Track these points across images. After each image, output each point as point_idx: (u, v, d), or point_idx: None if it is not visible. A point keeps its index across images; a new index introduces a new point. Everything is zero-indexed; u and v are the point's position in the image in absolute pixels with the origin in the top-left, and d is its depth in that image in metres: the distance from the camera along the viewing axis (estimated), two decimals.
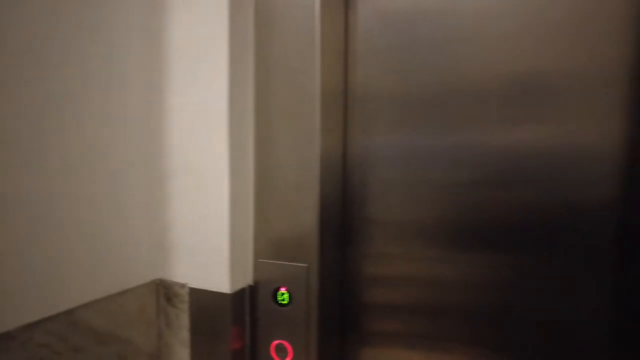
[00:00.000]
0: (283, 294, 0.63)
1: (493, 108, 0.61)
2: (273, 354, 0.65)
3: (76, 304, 0.55)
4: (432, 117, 0.65)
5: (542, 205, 0.59)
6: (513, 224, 0.61)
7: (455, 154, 0.63)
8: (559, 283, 0.59)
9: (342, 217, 0.69)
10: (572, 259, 0.58)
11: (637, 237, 0.55)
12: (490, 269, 0.63)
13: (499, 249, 0.62)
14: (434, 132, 0.65)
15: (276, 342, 0.64)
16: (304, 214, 0.62)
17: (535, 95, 0.59)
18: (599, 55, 0.56)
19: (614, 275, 0.57)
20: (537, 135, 0.59)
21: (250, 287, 0.66)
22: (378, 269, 0.69)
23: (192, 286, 0.64)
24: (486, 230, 0.62)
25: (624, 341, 0.57)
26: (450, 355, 0.65)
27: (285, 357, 0.64)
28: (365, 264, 0.69)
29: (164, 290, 0.66)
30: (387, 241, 0.68)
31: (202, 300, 0.63)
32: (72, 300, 0.54)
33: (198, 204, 0.63)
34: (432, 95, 0.65)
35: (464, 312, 0.64)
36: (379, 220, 0.68)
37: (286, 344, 0.63)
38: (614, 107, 0.55)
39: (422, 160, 0.65)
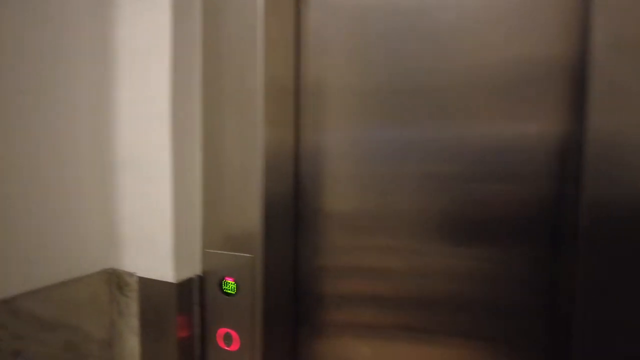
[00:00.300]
0: (229, 283, 0.64)
1: (440, 103, 0.61)
2: (220, 342, 0.66)
3: (17, 292, 0.56)
4: (383, 111, 0.65)
5: (484, 198, 0.60)
6: (460, 215, 0.61)
7: (404, 147, 0.64)
8: (508, 271, 0.60)
9: (294, 210, 0.69)
10: (508, 248, 0.59)
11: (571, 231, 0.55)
12: (441, 257, 0.63)
13: (447, 238, 0.63)
14: (385, 126, 0.65)
15: (223, 330, 0.65)
16: (249, 206, 0.62)
17: (481, 90, 0.59)
18: (541, 51, 0.56)
19: (549, 264, 0.57)
20: (484, 131, 0.59)
21: (199, 277, 0.67)
22: (331, 261, 0.69)
23: (141, 275, 0.65)
24: (435, 221, 0.63)
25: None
26: (402, 343, 0.66)
27: (232, 345, 0.65)
28: (318, 255, 0.70)
29: (116, 280, 0.67)
30: (339, 233, 0.69)
31: (149, 289, 0.64)
32: (12, 288, 0.55)
33: (144, 196, 0.64)
34: (384, 90, 0.65)
35: (415, 301, 0.65)
36: (331, 213, 0.69)
37: (233, 332, 0.65)
38: (553, 104, 0.55)
39: (373, 154, 0.66)
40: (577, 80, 0.54)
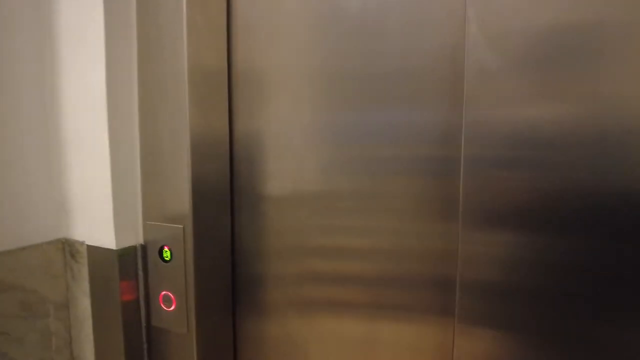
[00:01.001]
0: (166, 251, 0.72)
1: (368, 88, 0.66)
2: (161, 303, 0.74)
3: None
4: (317, 94, 0.70)
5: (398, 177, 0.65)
6: (386, 191, 0.66)
7: (337, 131, 0.68)
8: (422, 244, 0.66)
9: (229, 189, 0.76)
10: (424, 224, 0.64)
11: None
12: (376, 235, 0.69)
13: (379, 215, 0.68)
14: (320, 110, 0.69)
15: (163, 293, 0.73)
16: (179, 183, 0.69)
17: (399, 77, 0.64)
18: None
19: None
20: (391, 115, 0.64)
21: (142, 245, 0.74)
22: (269, 241, 0.75)
23: (89, 244, 0.73)
24: (368, 199, 0.68)
25: None
26: (340, 320, 0.72)
27: (171, 306, 0.73)
28: (256, 235, 0.76)
29: (69, 248, 0.75)
30: (275, 213, 0.75)
31: (96, 256, 0.72)
32: None
33: (88, 170, 0.71)
34: (317, 73, 0.69)
35: (353, 278, 0.70)
36: (267, 194, 0.75)
37: (170, 294, 0.72)
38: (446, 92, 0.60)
39: (308, 136, 0.71)
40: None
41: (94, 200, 0.71)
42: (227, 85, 0.74)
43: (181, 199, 0.69)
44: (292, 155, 0.71)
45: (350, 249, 0.70)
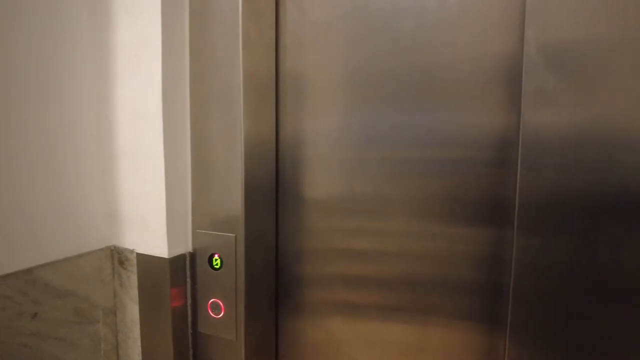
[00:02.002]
0: (217, 259, 0.73)
1: (406, 94, 0.68)
2: (209, 310, 0.75)
3: (34, 263, 0.65)
4: (356, 101, 0.72)
5: (454, 181, 0.67)
6: (430, 196, 0.68)
7: (376, 134, 0.71)
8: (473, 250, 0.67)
9: (275, 194, 0.78)
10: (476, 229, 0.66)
11: None
12: (426, 239, 0.70)
13: (425, 219, 0.70)
14: (357, 114, 0.72)
15: (212, 300, 0.75)
16: (231, 191, 0.71)
17: (447, 82, 0.66)
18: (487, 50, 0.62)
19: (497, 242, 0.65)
20: (448, 119, 0.66)
21: (190, 253, 0.76)
22: (310, 242, 0.77)
23: (139, 252, 0.74)
24: (410, 202, 0.70)
25: None
26: (380, 322, 0.74)
27: (220, 313, 0.74)
28: (299, 237, 0.78)
29: (118, 255, 0.77)
30: (319, 216, 0.77)
31: (146, 264, 0.74)
32: (30, 261, 0.65)
33: (141, 181, 0.72)
34: (354, 83, 0.72)
35: (394, 281, 0.72)
36: (311, 196, 0.77)
37: (219, 301, 0.74)
38: (497, 101, 0.62)
39: (348, 140, 0.73)
40: (514, 78, 0.60)
41: (147, 210, 0.72)
42: (274, 93, 0.76)
43: (234, 207, 0.71)
44: (334, 158, 0.74)
45: (396, 253, 0.71)
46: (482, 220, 0.65)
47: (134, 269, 0.75)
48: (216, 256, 0.73)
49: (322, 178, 0.76)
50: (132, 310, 0.77)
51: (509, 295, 0.61)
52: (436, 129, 0.66)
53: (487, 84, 0.62)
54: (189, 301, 0.77)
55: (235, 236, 0.71)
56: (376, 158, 0.71)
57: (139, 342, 0.76)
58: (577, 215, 0.57)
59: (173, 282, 0.73)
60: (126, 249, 0.76)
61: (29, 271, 0.64)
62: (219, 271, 0.73)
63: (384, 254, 0.73)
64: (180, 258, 0.75)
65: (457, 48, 0.64)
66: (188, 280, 0.76)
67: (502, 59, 0.61)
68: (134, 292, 0.76)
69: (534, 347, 0.61)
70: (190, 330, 0.78)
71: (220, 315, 0.74)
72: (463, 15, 0.63)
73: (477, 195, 0.65)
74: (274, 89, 0.76)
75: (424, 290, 0.70)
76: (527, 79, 0.57)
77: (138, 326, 0.76)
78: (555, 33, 0.56)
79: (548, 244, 0.58)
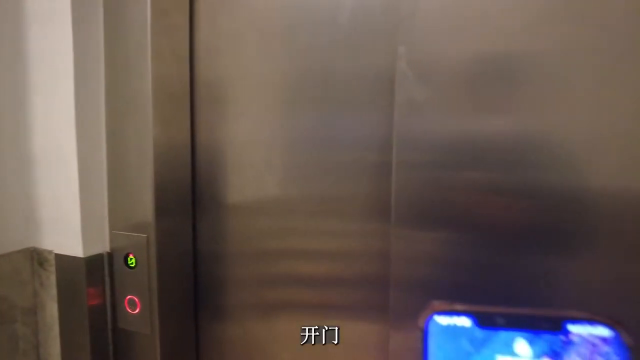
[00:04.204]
0: (131, 258, 0.77)
1: (316, 103, 0.74)
2: (127, 306, 0.79)
3: None
4: (275, 107, 0.77)
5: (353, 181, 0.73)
6: (328, 196, 0.74)
7: (281, 138, 0.76)
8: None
9: (192, 197, 0.82)
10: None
11: None
12: (324, 237, 0.76)
13: (324, 217, 0.76)
14: (277, 119, 0.77)
15: (128, 297, 0.79)
16: (143, 193, 0.75)
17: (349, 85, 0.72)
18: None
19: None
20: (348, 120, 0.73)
21: (108, 253, 0.80)
22: (232, 245, 0.82)
23: (57, 252, 0.78)
24: (311, 202, 0.75)
25: None
26: (295, 319, 0.78)
27: (136, 309, 0.78)
28: (220, 240, 0.82)
29: (37, 256, 0.80)
30: (235, 219, 0.81)
31: (64, 264, 0.77)
32: None
33: (57, 185, 0.76)
34: (262, 90, 0.77)
35: (316, 280, 0.77)
36: (227, 200, 0.82)
37: (135, 298, 0.78)
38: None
39: (257, 145, 0.78)
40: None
41: (63, 212, 0.76)
42: (189, 101, 0.81)
43: (145, 209, 0.75)
44: (248, 163, 0.79)
45: (302, 252, 0.77)
46: (371, 217, 0.71)
47: (53, 269, 0.78)
48: (131, 256, 0.77)
49: (237, 181, 0.81)
50: (52, 310, 0.80)
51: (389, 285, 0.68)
52: (331, 133, 0.72)
53: (371, 93, 0.69)
54: (108, 299, 0.80)
55: (147, 237, 0.75)
56: (281, 161, 0.77)
57: (58, 340, 0.80)
58: (445, 211, 0.64)
59: (90, 281, 0.77)
60: (45, 250, 0.79)
61: None
62: (134, 270, 0.77)
63: (298, 253, 0.78)
64: (98, 258, 0.78)
65: (347, 60, 0.70)
66: (107, 279, 0.80)
67: (382, 71, 0.67)
68: (54, 292, 0.79)
69: (414, 332, 0.68)
70: (110, 327, 0.81)
71: (136, 311, 0.78)
72: (351, 31, 0.69)
73: (366, 194, 0.71)
74: (189, 96, 0.81)
75: (329, 285, 0.76)
76: (399, 90, 0.63)
77: (57, 324, 0.79)
78: (423, 50, 0.63)
79: (420, 236, 0.65)
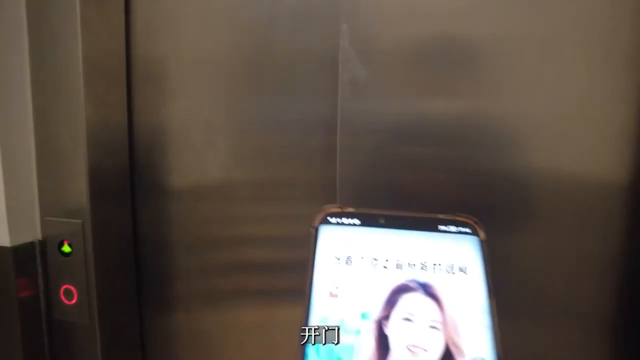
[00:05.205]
0: (66, 246, 0.73)
1: (259, 82, 0.72)
2: (62, 297, 0.75)
3: None
4: (219, 85, 0.74)
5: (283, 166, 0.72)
6: (273, 180, 0.73)
7: (225, 120, 0.74)
8: None
9: (130, 183, 0.78)
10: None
11: None
12: (270, 222, 0.75)
13: (270, 202, 0.74)
14: (212, 102, 0.74)
15: (64, 286, 0.74)
16: (77, 177, 0.70)
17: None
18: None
19: None
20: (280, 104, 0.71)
21: (40, 241, 0.75)
22: (177, 233, 0.79)
23: None
24: (256, 186, 0.74)
25: None
26: (243, 307, 0.77)
27: (73, 298, 0.74)
28: (159, 226, 0.79)
29: None
30: (177, 204, 0.78)
31: None
32: None
33: None
34: (204, 68, 0.74)
35: (252, 265, 0.76)
36: (169, 185, 0.78)
37: (72, 288, 0.74)
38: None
39: (199, 126, 0.75)
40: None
41: None
42: (125, 79, 0.76)
43: (79, 193, 0.71)
44: (191, 146, 0.76)
45: (248, 238, 0.76)
46: (317, 201, 0.71)
47: None
48: (65, 243, 0.73)
49: (178, 165, 0.78)
50: None
51: None
52: (275, 115, 0.71)
53: (315, 73, 0.68)
54: (42, 289, 0.76)
55: (82, 222, 0.71)
56: (224, 143, 0.74)
57: None
58: (389, 194, 0.65)
59: (19, 271, 0.72)
60: None
61: None
62: (69, 257, 0.73)
63: (241, 238, 0.77)
64: (27, 246, 0.73)
65: (291, 41, 0.68)
66: (39, 268, 0.75)
67: (326, 50, 0.66)
68: None
69: None
70: (45, 319, 0.77)
71: (73, 301, 0.74)
72: (293, 8, 0.68)
73: (312, 178, 0.70)
74: (125, 74, 0.76)
75: (276, 271, 0.75)
76: (343, 70, 0.63)
77: None
78: (366, 30, 0.62)
79: None
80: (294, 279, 0.74)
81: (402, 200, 0.65)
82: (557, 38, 0.58)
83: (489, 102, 0.62)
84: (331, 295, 0.42)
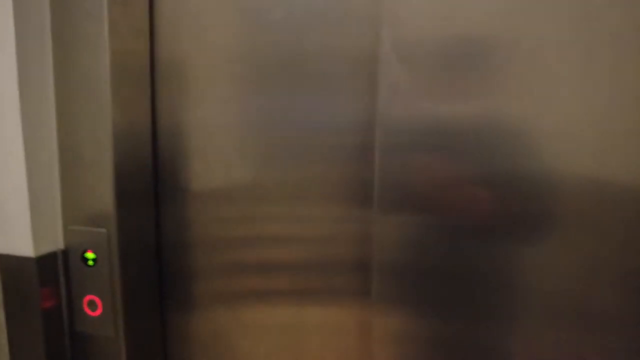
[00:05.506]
0: (90, 255, 0.70)
1: (290, 84, 0.69)
2: (86, 308, 0.72)
3: None
4: (233, 90, 0.72)
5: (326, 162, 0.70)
6: (305, 180, 0.70)
7: (254, 121, 0.72)
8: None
9: (153, 186, 0.76)
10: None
11: None
12: (299, 222, 0.73)
13: (301, 203, 0.72)
14: (238, 103, 0.72)
15: (88, 297, 0.72)
16: (101, 184, 0.68)
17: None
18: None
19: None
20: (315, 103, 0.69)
21: (62, 251, 0.72)
22: (198, 234, 0.76)
23: (2, 253, 0.69)
24: (287, 187, 0.71)
25: None
26: (268, 308, 0.75)
27: (96, 310, 0.71)
28: (184, 229, 0.77)
29: None
30: (201, 207, 0.76)
31: (10, 265, 0.69)
32: None
33: (2, 181, 0.67)
34: (232, 70, 0.72)
35: (291, 266, 0.73)
36: (193, 187, 0.76)
37: (96, 299, 0.71)
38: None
39: (226, 129, 0.73)
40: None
41: (8, 208, 0.67)
42: (150, 82, 0.74)
43: (104, 201, 0.68)
44: (214, 148, 0.74)
45: (275, 238, 0.74)
46: (350, 202, 0.69)
47: None
48: (89, 252, 0.70)
49: (204, 168, 0.75)
50: None
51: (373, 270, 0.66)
52: (310, 116, 0.69)
53: (350, 73, 0.66)
54: (64, 300, 0.73)
55: (107, 231, 0.69)
56: (253, 145, 0.72)
57: (6, 349, 0.72)
58: (428, 196, 0.63)
59: (43, 281, 0.69)
60: None
61: None
62: (93, 268, 0.71)
63: (269, 239, 0.74)
64: (51, 256, 0.70)
65: (326, 41, 0.66)
66: (61, 279, 0.72)
67: (363, 51, 0.64)
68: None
69: (398, 315, 0.67)
70: (68, 331, 0.74)
71: (98, 313, 0.72)
72: (330, 12, 0.65)
73: (344, 179, 0.68)
74: (149, 77, 0.74)
75: (305, 271, 0.73)
76: (383, 72, 0.61)
77: (5, 333, 0.71)
78: (407, 33, 0.60)
79: (403, 220, 0.63)
80: (319, 281, 0.72)
81: (442, 205, 0.63)
82: (598, 44, 0.56)
83: (530, 106, 0.60)
84: None
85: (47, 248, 0.70)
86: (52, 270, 0.71)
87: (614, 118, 0.56)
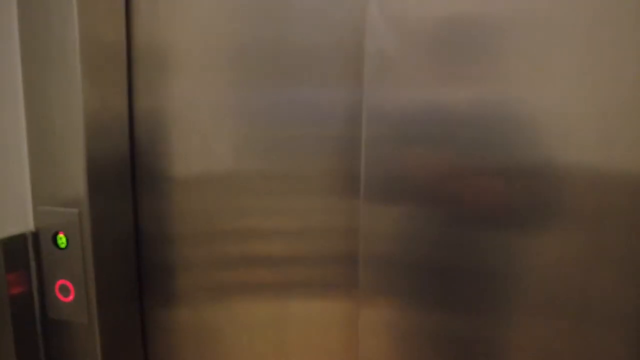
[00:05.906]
0: (61, 237, 0.67)
1: (273, 67, 0.66)
2: (58, 293, 0.69)
3: None
4: (226, 73, 0.68)
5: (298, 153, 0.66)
6: (289, 172, 0.67)
7: (243, 110, 0.68)
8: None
9: (131, 170, 0.72)
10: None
11: None
12: (283, 215, 0.69)
13: (284, 195, 0.69)
14: (228, 88, 0.68)
15: (60, 282, 0.68)
16: (73, 163, 0.64)
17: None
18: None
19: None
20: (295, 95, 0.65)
21: (33, 232, 0.68)
22: (180, 225, 0.73)
23: None
24: (270, 178, 0.68)
25: None
26: (253, 301, 0.72)
27: (69, 295, 0.68)
28: (162, 218, 0.73)
29: None
30: (183, 197, 0.72)
31: None
32: None
33: None
34: (223, 51, 0.68)
35: (263, 258, 0.70)
36: (174, 176, 0.72)
37: (68, 283, 0.68)
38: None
39: (209, 115, 0.69)
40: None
41: None
42: (126, 60, 0.70)
43: (75, 180, 0.65)
44: (198, 134, 0.70)
45: (258, 230, 0.70)
46: (335, 193, 0.65)
47: None
48: (61, 234, 0.67)
49: (185, 156, 0.72)
50: None
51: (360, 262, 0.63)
52: (294, 106, 0.65)
53: (337, 62, 0.62)
54: (35, 285, 0.70)
55: (79, 212, 0.65)
56: (236, 134, 0.68)
57: None
58: (416, 186, 0.59)
59: (9, 266, 0.65)
60: None
61: None
62: (65, 250, 0.67)
63: (247, 231, 0.71)
64: (19, 238, 0.67)
65: (310, 24, 0.62)
66: (32, 262, 0.69)
67: (349, 38, 0.60)
68: None
69: (385, 307, 0.64)
70: (39, 317, 0.71)
71: (70, 298, 0.68)
72: None
73: (330, 169, 0.65)
74: (126, 57, 0.70)
75: (291, 263, 0.70)
76: (369, 62, 0.57)
77: None
78: (396, 13, 0.56)
79: (390, 211, 0.60)
80: (304, 273, 0.69)
81: (432, 194, 0.59)
82: (600, 26, 0.52)
83: (530, 92, 0.55)
84: None
85: (14, 229, 0.66)
86: (21, 254, 0.67)
87: (615, 103, 0.52)
